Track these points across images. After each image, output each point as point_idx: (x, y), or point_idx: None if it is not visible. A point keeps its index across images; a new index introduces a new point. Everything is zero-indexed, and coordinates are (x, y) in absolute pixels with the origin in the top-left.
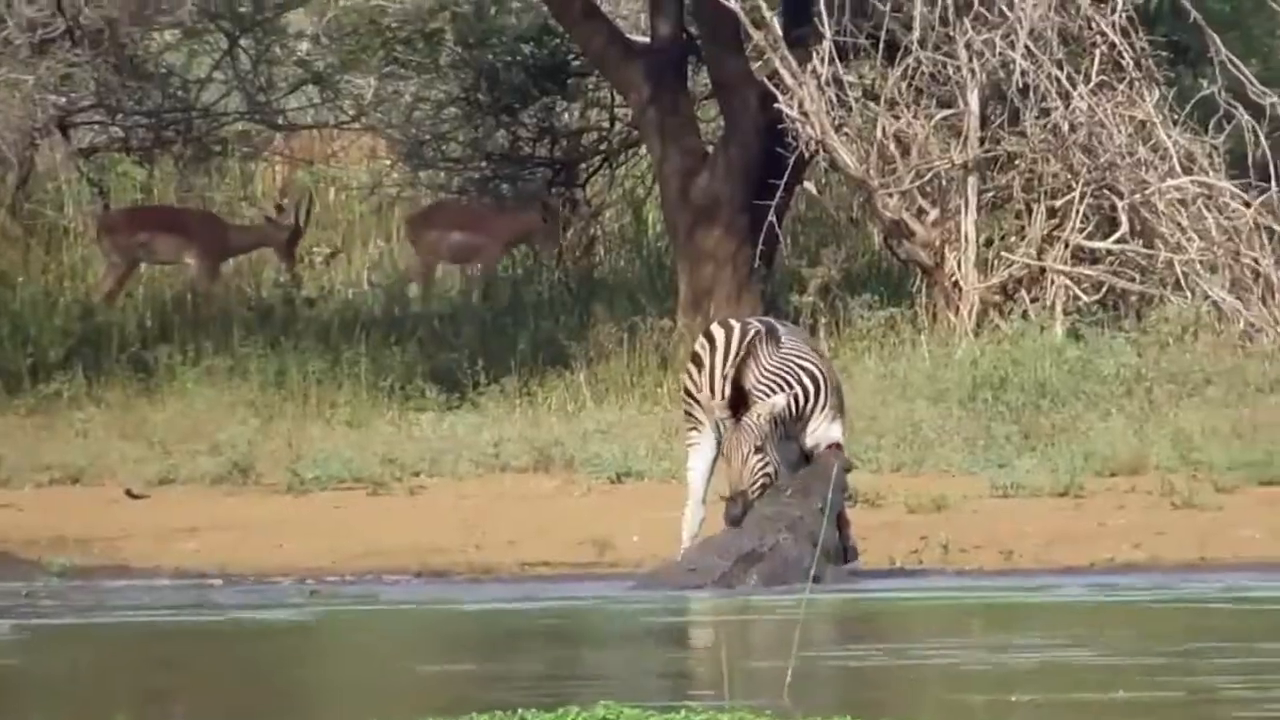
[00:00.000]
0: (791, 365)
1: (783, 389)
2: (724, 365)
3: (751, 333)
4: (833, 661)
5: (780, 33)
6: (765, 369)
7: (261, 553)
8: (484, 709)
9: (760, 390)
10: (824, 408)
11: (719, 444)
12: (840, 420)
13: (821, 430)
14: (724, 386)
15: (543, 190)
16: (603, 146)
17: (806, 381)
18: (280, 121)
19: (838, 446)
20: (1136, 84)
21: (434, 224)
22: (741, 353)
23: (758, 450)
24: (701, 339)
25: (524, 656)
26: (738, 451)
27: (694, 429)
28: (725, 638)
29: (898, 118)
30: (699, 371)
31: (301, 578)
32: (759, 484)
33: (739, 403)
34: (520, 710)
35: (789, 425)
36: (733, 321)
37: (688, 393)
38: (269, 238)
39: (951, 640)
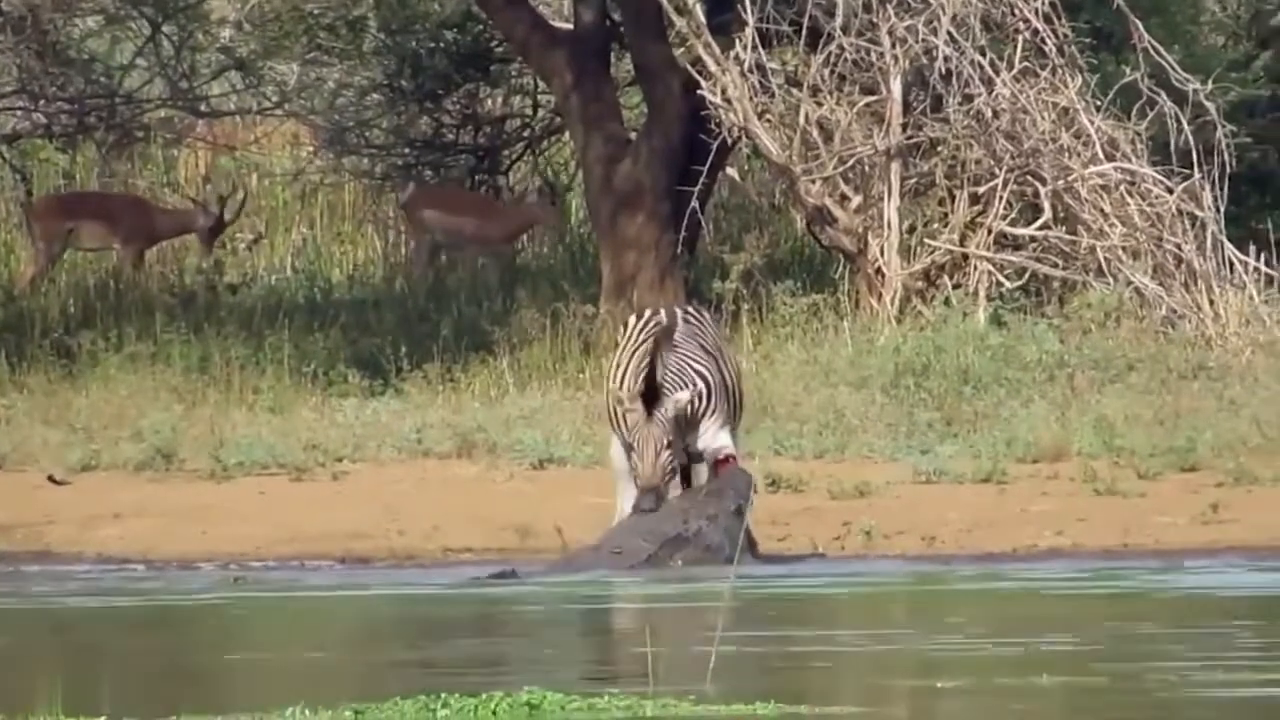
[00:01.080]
0: (686, 365)
1: (685, 387)
2: (629, 356)
3: (659, 327)
4: (756, 647)
5: (703, 19)
6: (669, 367)
7: (185, 539)
8: (408, 694)
9: (667, 387)
10: (712, 413)
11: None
12: (730, 427)
13: (709, 436)
14: (632, 380)
15: (535, 177)
16: (526, 133)
17: (700, 384)
18: (203, 108)
19: (732, 458)
20: (1059, 70)
21: (432, 205)
22: (650, 346)
23: (668, 446)
24: (621, 326)
25: (448, 642)
26: (649, 446)
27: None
28: (649, 623)
29: (820, 104)
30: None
31: (225, 563)
32: (669, 479)
33: (651, 398)
34: (444, 695)
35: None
36: (647, 312)
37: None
38: (194, 223)
39: (875, 627)
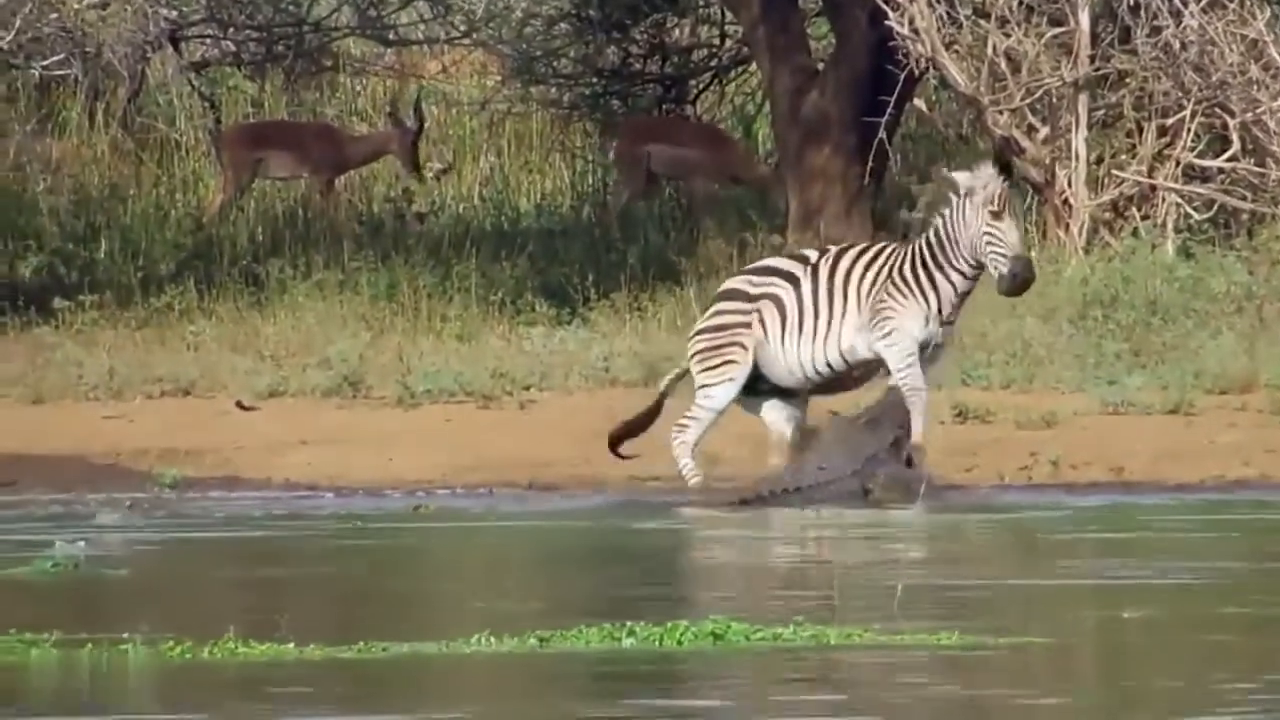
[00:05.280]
0: None
1: None
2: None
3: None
4: (943, 579)
5: None
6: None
7: (371, 466)
8: (593, 622)
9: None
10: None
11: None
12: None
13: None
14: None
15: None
16: (713, 63)
17: None
18: (390, 36)
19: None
20: (1248, 2)
21: (656, 139)
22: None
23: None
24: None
25: (634, 571)
26: (1012, 216)
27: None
28: (836, 554)
29: (1008, 35)
30: None
31: (411, 490)
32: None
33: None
34: (629, 624)
35: None
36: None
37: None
38: (389, 145)
39: (1063, 557)
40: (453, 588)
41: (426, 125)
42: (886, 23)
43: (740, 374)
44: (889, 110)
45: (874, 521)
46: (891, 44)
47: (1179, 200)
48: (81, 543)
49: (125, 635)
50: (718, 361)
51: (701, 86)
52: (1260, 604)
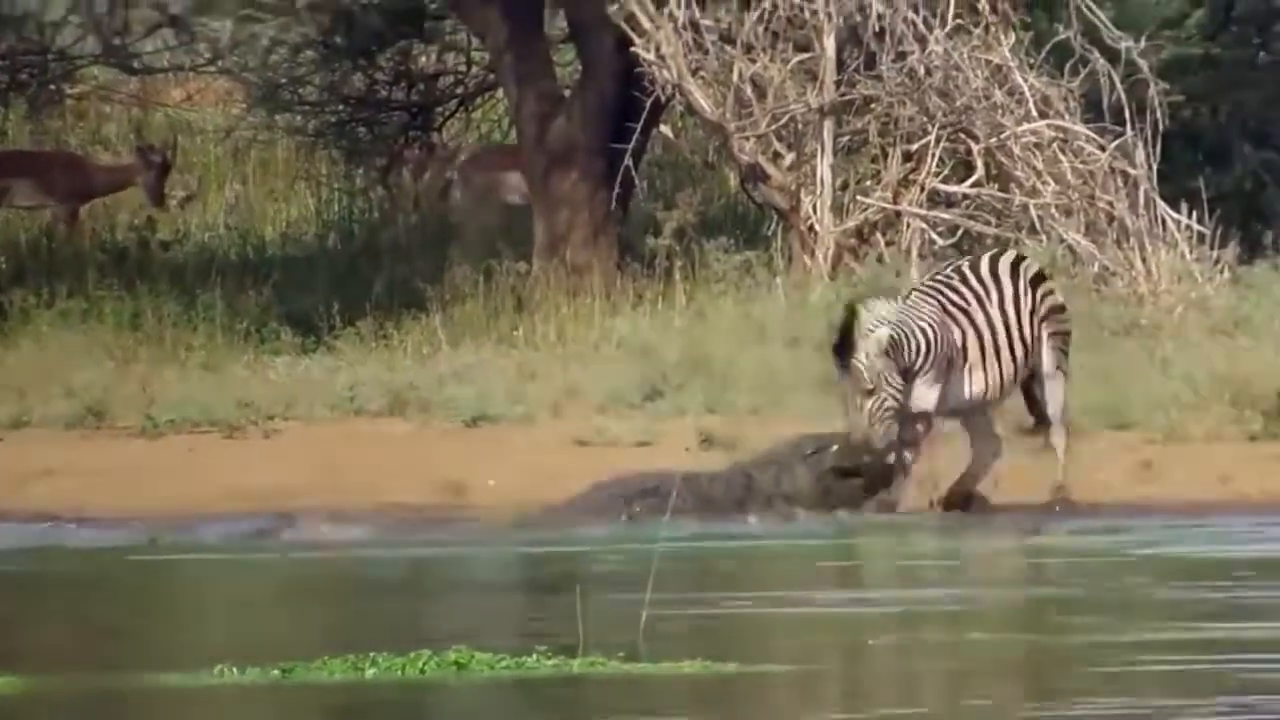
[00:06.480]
0: (911, 321)
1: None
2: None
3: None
4: (691, 608)
5: None
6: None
7: (116, 496)
8: (336, 654)
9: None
10: (924, 372)
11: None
12: (942, 387)
13: (916, 394)
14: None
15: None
16: (459, 90)
17: (920, 340)
18: (135, 65)
19: (925, 419)
20: (993, 28)
21: (489, 166)
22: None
23: (868, 393)
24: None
25: (380, 602)
26: (851, 400)
27: None
28: (583, 582)
29: (754, 61)
30: None
31: (156, 521)
32: (883, 428)
33: (845, 350)
34: (372, 654)
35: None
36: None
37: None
38: (134, 177)
39: (809, 585)
40: (195, 619)
41: (173, 160)
42: (633, 49)
43: None
44: (635, 136)
45: (624, 550)
46: (638, 70)
47: (924, 226)
48: None
49: None
50: None
51: (448, 114)
52: (1003, 629)
